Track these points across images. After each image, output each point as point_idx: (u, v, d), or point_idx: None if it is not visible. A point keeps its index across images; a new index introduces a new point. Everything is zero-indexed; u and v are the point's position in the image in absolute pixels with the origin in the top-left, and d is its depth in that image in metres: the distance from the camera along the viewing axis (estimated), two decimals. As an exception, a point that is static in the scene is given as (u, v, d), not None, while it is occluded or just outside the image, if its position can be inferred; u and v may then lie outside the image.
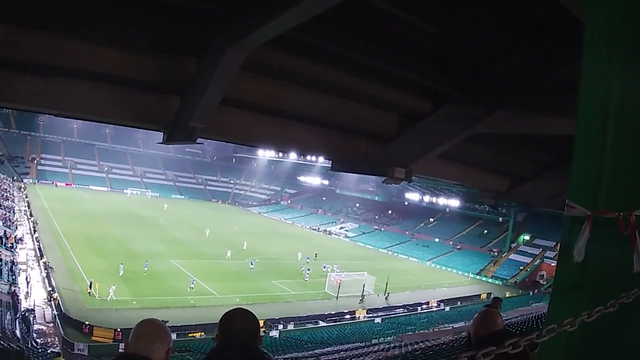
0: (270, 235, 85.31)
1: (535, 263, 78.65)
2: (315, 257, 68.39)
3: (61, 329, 33.85)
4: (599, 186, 2.35)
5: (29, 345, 28.89)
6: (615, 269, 2.29)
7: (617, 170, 2.33)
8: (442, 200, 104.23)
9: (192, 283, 48.24)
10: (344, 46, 8.53)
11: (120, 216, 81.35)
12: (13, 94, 8.27)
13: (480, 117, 9.61)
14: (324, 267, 61.55)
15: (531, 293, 67.96)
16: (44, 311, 37.64)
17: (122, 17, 7.92)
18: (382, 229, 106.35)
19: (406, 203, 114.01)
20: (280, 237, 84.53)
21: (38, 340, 32.32)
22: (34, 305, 37.56)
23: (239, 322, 3.28)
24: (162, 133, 10.37)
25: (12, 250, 47.90)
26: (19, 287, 39.00)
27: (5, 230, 52.26)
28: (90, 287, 43.02)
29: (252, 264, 58.90)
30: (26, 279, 41.31)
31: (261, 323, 36.47)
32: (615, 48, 2.41)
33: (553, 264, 73.16)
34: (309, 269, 59.09)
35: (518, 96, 8.97)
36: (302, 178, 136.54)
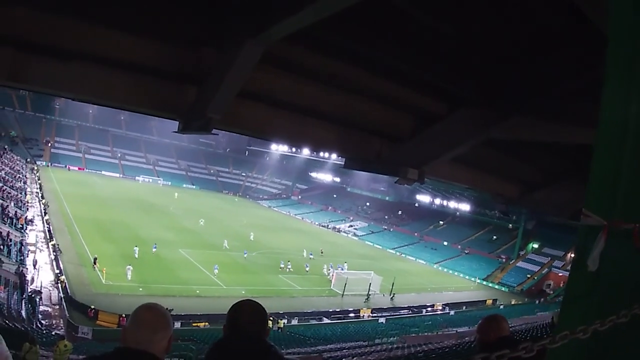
0: (279, 230, 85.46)
1: (543, 272, 78.27)
2: (321, 253, 68.82)
3: (66, 312, 34.15)
4: (616, 196, 2.34)
5: (34, 326, 29.14)
6: (628, 279, 2.28)
7: (635, 182, 2.32)
8: (452, 204, 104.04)
9: (216, 269, 50.49)
10: (363, 44, 8.52)
11: (131, 203, 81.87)
12: (31, 75, 8.31)
13: (496, 122, 9.57)
14: (330, 265, 61.88)
15: (537, 302, 67.71)
16: (50, 293, 37.95)
17: (143, 5, 7.95)
18: (391, 229, 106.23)
19: (416, 204, 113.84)
20: (289, 232, 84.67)
21: (43, 321, 32.63)
22: (41, 286, 37.85)
23: (248, 313, 3.27)
24: (177, 122, 10.40)
25: (22, 231, 48.30)
26: (27, 268, 39.30)
27: (16, 211, 52.67)
28: (95, 263, 44.58)
29: (245, 253, 59.93)
30: (33, 261, 41.53)
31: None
32: (637, 62, 2.40)
33: (561, 274, 73.01)
34: (289, 262, 59.36)
35: (535, 103, 8.92)
36: (313, 174, 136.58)
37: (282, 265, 58.33)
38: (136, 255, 49.29)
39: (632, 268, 2.24)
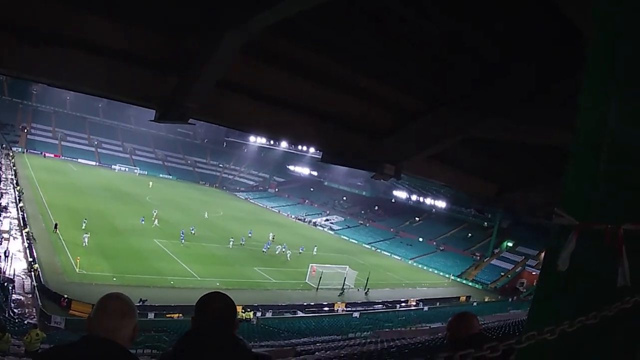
0: (253, 222, 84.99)
1: (517, 270, 79.17)
2: (273, 239, 70.48)
3: (39, 301, 33.87)
4: (590, 197, 2.36)
5: (6, 315, 28.84)
6: (599, 281, 2.30)
7: (609, 183, 2.34)
8: (429, 201, 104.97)
9: (192, 230, 60.73)
10: (347, 39, 8.50)
11: (107, 192, 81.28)
12: (6, 60, 8.18)
13: (476, 122, 9.60)
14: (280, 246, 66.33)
15: (510, 300, 68.49)
16: (23, 281, 37.59)
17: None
18: (368, 225, 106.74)
19: (393, 200, 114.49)
20: (264, 224, 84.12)
21: (15, 310, 32.30)
22: (14, 274, 37.39)
23: (216, 306, 3.24)
24: (154, 111, 10.30)
25: (-4, 217, 47.70)
26: (1, 256, 38.81)
27: (-11, 197, 52.02)
28: (55, 228, 49.86)
29: (182, 234, 60.65)
30: (4, 252, 40.82)
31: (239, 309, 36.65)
32: (616, 63, 2.42)
33: (534, 273, 73.88)
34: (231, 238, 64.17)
35: (515, 104, 8.97)
36: (291, 167, 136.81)
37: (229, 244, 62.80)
38: (83, 227, 51.68)
39: (602, 269, 2.26)
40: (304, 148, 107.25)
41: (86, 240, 48.32)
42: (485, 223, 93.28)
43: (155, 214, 68.22)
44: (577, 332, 2.08)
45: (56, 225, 51.06)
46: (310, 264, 57.19)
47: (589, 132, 2.47)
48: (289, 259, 62.83)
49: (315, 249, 68.67)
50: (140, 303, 34.14)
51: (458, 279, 77.60)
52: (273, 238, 70.82)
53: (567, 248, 2.28)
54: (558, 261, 2.30)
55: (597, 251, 2.26)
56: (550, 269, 2.39)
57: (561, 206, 2.40)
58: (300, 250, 66.25)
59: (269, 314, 43.27)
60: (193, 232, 62.65)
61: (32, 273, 38.29)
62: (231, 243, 62.84)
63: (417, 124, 11.02)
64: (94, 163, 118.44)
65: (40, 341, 20.61)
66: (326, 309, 48.94)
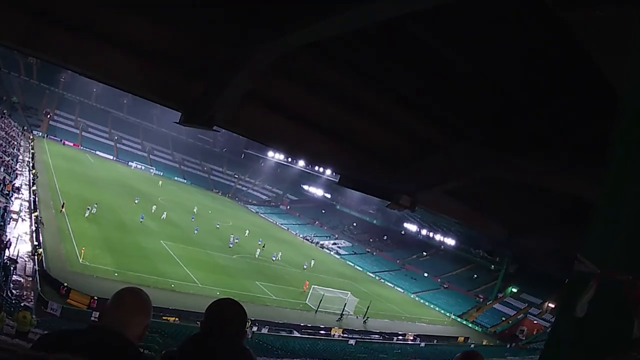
0: (261, 236, 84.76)
1: (519, 317, 78.34)
2: (263, 247, 72.54)
3: (39, 285, 33.90)
4: (612, 247, 2.34)
5: (4, 295, 28.90)
6: (615, 330, 2.28)
7: (633, 235, 2.32)
8: (438, 237, 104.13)
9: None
10: (377, 67, 8.54)
11: (121, 187, 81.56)
12: (41, 44, 8.27)
13: (496, 162, 9.58)
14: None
15: (509, 346, 67.72)
16: (25, 264, 37.60)
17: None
18: (375, 253, 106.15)
19: (403, 232, 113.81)
20: (271, 240, 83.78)
21: (14, 291, 32.32)
22: (17, 256, 37.45)
23: (229, 313, 3.22)
24: (179, 113, 10.35)
25: (8, 197, 47.85)
26: (6, 235, 38.91)
27: (4, 177, 52.19)
28: (62, 207, 52.60)
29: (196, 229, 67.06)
30: (6, 242, 40.67)
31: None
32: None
33: (536, 322, 73.32)
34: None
35: (537, 148, 8.94)
36: (305, 187, 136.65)
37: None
38: (94, 211, 56.49)
39: (618, 318, 2.24)
40: (321, 169, 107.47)
41: (87, 213, 54.54)
42: (492, 266, 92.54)
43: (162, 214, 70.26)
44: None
45: (63, 204, 53.47)
46: (307, 280, 57.14)
47: (616, 184, 2.46)
48: (257, 256, 67.81)
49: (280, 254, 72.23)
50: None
51: (458, 319, 76.94)
52: (264, 247, 72.22)
53: (587, 295, 2.27)
54: (576, 307, 2.28)
55: (614, 300, 2.24)
56: (566, 314, 2.37)
57: (583, 253, 2.38)
58: (304, 266, 68.70)
59: (264, 330, 43.03)
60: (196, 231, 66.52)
61: (36, 257, 38.39)
62: (231, 239, 68.25)
63: (438, 158, 11.00)
64: (111, 157, 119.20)
65: (28, 324, 20.77)
66: (323, 332, 48.69)
